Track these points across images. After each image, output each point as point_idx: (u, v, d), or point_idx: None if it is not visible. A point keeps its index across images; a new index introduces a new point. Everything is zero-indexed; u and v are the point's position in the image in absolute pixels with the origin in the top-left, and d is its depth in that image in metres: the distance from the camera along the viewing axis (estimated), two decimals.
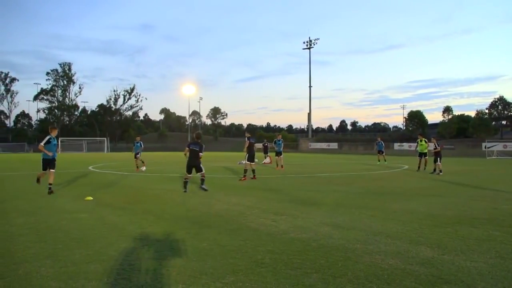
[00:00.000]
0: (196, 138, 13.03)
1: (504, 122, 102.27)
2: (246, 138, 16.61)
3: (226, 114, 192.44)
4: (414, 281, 4.20)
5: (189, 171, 12.60)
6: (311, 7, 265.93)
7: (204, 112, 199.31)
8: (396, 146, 74.44)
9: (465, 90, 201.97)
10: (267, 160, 30.26)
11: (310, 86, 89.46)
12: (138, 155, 21.74)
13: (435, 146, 20.56)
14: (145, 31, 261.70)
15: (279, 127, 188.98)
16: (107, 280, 4.25)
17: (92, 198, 10.42)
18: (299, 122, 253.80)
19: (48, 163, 11.65)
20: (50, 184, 11.57)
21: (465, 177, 18.69)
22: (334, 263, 4.78)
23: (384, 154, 31.66)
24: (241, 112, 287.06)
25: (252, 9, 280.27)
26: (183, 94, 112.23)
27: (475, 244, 5.77)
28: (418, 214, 8.33)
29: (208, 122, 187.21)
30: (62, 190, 12.58)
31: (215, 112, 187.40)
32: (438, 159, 20.12)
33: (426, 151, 22.09)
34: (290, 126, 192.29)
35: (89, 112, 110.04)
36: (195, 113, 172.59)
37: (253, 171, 16.38)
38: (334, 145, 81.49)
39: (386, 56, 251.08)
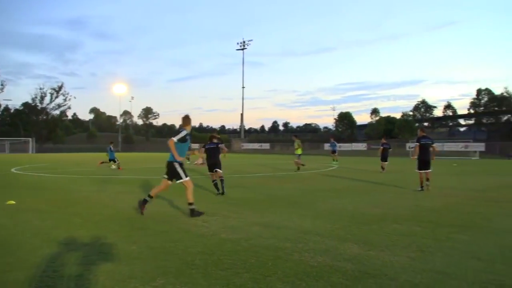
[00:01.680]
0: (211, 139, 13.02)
1: (426, 124, 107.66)
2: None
3: (158, 114, 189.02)
4: (341, 277, 4.32)
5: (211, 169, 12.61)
6: (245, 8, 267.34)
7: (136, 112, 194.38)
8: (327, 146, 76.41)
9: (392, 93, 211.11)
10: (200, 161, 30.10)
11: (243, 87, 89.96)
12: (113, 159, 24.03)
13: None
14: (75, 27, 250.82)
15: (212, 127, 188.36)
16: None
17: (14, 202, 9.87)
18: (232, 123, 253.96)
19: None
20: None
21: (390, 176, 19.54)
22: (265, 262, 4.83)
23: (336, 154, 32.94)
24: (174, 112, 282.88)
25: (186, 9, 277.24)
26: (114, 94, 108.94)
27: (398, 240, 6.04)
28: (346, 212, 8.61)
29: (140, 122, 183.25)
30: None
31: (147, 112, 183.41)
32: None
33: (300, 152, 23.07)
34: (223, 127, 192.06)
35: (12, 111, 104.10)
36: (126, 113, 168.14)
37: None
38: (266, 146, 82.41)
39: (318, 59, 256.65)
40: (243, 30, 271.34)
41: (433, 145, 13.02)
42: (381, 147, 23.00)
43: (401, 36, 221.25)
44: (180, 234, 6.43)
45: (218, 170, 12.42)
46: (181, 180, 8.19)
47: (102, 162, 25.16)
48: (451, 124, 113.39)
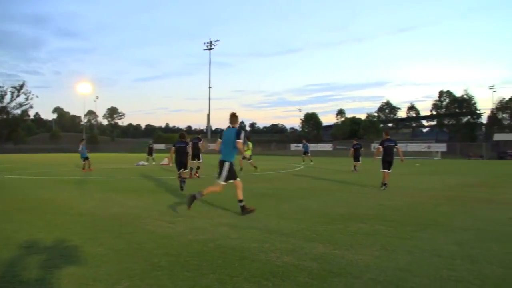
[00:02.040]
0: (181, 137, 13.94)
1: (390, 125, 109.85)
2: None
3: (124, 114, 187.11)
4: (307, 276, 4.37)
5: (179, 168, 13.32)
6: (212, 8, 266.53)
7: (101, 112, 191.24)
8: (293, 146, 77.18)
9: (357, 94, 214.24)
10: (165, 161, 29.87)
11: (209, 87, 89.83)
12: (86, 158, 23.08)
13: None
14: (38, 23, 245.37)
15: (178, 127, 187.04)
16: None
17: None
18: (199, 123, 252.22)
19: None
20: None
21: (355, 175, 19.85)
22: (231, 263, 4.83)
23: (309, 154, 33.59)
24: (140, 112, 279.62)
25: (153, 7, 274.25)
26: (79, 93, 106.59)
27: (363, 239, 6.14)
28: (311, 212, 8.69)
29: (105, 122, 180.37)
30: None
31: (112, 112, 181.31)
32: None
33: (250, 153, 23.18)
34: (189, 127, 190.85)
35: None
36: (91, 113, 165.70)
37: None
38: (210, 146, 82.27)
39: (285, 60, 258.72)
40: (210, 30, 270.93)
41: (397, 146, 13.55)
42: (352, 149, 23.73)
43: (367, 39, 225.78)
44: (145, 236, 6.35)
45: (185, 170, 13.24)
46: (219, 180, 8.44)
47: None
48: (414, 125, 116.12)
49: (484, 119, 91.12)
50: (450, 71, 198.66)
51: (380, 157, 13.52)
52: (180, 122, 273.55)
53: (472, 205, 9.86)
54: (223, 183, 8.38)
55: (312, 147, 74.44)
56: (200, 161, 18.47)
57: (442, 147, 57.89)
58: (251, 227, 6.97)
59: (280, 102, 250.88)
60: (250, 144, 22.91)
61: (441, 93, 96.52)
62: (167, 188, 13.61)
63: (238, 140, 8.28)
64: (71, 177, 18.34)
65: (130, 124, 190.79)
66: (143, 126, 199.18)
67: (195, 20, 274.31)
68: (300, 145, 46.14)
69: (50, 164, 31.05)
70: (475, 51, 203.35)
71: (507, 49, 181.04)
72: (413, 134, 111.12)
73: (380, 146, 13.53)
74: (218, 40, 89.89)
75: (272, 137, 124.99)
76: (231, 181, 8.42)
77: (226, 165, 8.40)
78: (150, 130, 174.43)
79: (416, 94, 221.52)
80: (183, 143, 13.44)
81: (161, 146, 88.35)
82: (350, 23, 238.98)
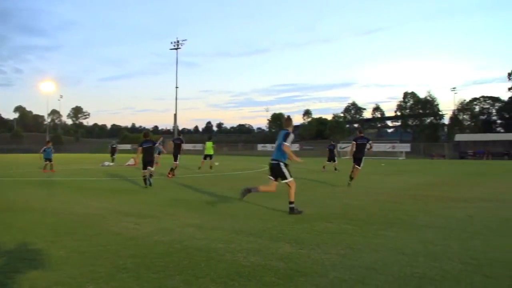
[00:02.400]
0: (145, 136, 14.49)
1: (356, 125, 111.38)
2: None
3: (89, 114, 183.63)
4: (273, 276, 4.38)
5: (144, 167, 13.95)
6: (179, 8, 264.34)
7: (65, 112, 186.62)
8: (260, 147, 77.45)
9: (323, 95, 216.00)
10: (131, 161, 29.52)
11: (176, 87, 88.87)
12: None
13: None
14: None
15: (145, 128, 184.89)
16: None
17: None
18: (166, 123, 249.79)
19: None
20: None
21: (322, 175, 20.05)
22: (197, 264, 4.80)
23: None
24: (105, 112, 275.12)
25: (119, 5, 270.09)
26: (42, 92, 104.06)
27: (329, 238, 6.20)
28: (278, 211, 8.73)
29: (69, 122, 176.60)
30: None
31: (77, 111, 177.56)
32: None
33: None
34: (156, 127, 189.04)
35: None
36: (54, 112, 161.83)
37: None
38: (199, 146, 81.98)
39: (252, 60, 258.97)
40: (178, 29, 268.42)
41: (369, 142, 14.39)
42: (328, 149, 24.63)
43: (333, 40, 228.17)
44: (110, 237, 6.25)
45: (150, 168, 13.79)
46: (286, 180, 8.55)
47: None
48: (379, 125, 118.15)
49: (446, 120, 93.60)
50: (414, 72, 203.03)
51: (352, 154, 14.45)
52: (146, 122, 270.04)
53: (434, 203, 10.10)
54: (291, 178, 8.59)
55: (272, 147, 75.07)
56: (177, 162, 18.80)
57: (406, 147, 59.15)
58: (217, 228, 6.95)
59: (247, 103, 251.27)
60: (209, 144, 23.03)
61: (405, 94, 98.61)
62: (133, 188, 13.43)
63: (285, 143, 8.44)
64: (33, 178, 17.89)
65: (95, 124, 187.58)
66: (108, 126, 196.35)
67: (163, 19, 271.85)
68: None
69: (12, 165, 30.19)
70: (438, 54, 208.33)
71: (469, 51, 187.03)
72: (378, 135, 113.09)
73: (354, 142, 14.39)
74: (185, 39, 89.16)
75: (239, 137, 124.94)
76: (283, 181, 8.60)
77: (282, 165, 8.54)
78: (116, 130, 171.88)
79: (381, 95, 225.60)
80: (149, 143, 13.70)
81: (127, 147, 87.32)
82: (317, 24, 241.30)
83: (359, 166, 14.24)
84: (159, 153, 25.07)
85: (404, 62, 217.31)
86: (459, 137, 66.13)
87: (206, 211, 8.68)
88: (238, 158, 39.72)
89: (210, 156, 22.78)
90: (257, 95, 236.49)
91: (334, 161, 23.85)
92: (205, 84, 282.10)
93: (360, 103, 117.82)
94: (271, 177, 8.73)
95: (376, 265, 4.75)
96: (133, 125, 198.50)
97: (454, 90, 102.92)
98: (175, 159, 18.72)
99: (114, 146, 32.63)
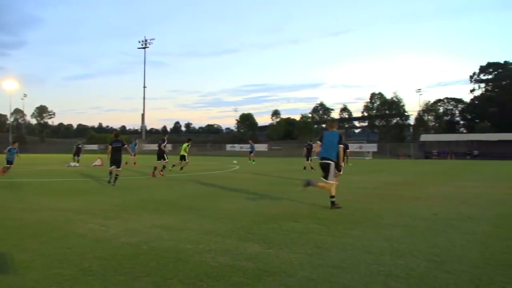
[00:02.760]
0: (115, 136, 15.07)
1: (324, 126, 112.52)
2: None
3: (54, 114, 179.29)
4: (242, 276, 4.38)
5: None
6: (147, 6, 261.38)
7: (29, 111, 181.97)
8: (228, 147, 77.37)
9: (292, 95, 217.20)
10: (98, 162, 29.07)
11: (144, 87, 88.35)
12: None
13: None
14: None
15: (112, 127, 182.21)
16: None
17: None
18: (133, 123, 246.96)
19: None
20: None
21: (290, 175, 20.17)
22: (165, 265, 4.76)
23: (253, 154, 34.68)
24: (71, 111, 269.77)
25: (86, 2, 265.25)
26: (4, 90, 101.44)
27: (296, 237, 6.24)
28: (246, 212, 8.74)
29: (34, 121, 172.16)
30: None
31: (42, 111, 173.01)
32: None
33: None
34: (123, 127, 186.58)
35: None
36: (17, 112, 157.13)
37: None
38: (168, 146, 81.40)
39: (221, 60, 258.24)
40: (146, 28, 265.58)
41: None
42: (306, 149, 24.64)
43: (301, 41, 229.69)
44: (76, 239, 6.13)
45: (117, 168, 14.21)
46: (328, 180, 9.19)
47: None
48: (347, 126, 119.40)
49: (412, 121, 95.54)
50: (381, 74, 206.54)
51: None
52: (114, 122, 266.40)
53: (400, 202, 10.31)
54: (333, 181, 9.20)
55: (248, 147, 75.18)
56: (166, 160, 19.91)
57: (373, 147, 60.20)
58: (185, 228, 6.91)
59: (216, 103, 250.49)
60: (184, 145, 23.17)
61: (372, 95, 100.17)
62: (99, 189, 13.22)
63: (340, 146, 9.16)
64: None
65: (61, 124, 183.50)
66: (75, 125, 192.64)
67: (130, 18, 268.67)
68: (248, 145, 46.82)
69: None
70: (404, 55, 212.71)
71: (433, 54, 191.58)
72: (346, 135, 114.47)
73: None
74: (154, 39, 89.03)
75: (207, 138, 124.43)
76: (326, 180, 9.24)
77: (332, 165, 9.18)
78: (83, 130, 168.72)
79: (348, 96, 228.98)
80: (119, 143, 14.09)
81: (94, 147, 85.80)
82: (285, 25, 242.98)
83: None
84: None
85: (371, 64, 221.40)
86: (424, 137, 67.77)
87: (174, 212, 8.61)
88: (207, 158, 39.63)
89: (184, 157, 22.60)
90: (225, 95, 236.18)
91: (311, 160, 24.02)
92: (173, 84, 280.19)
93: (328, 104, 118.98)
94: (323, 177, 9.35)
95: (344, 264, 4.81)
96: (100, 125, 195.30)
97: (419, 92, 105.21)
98: (164, 158, 19.67)
99: (79, 146, 31.81)
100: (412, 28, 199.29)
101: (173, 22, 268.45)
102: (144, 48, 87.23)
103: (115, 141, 14.46)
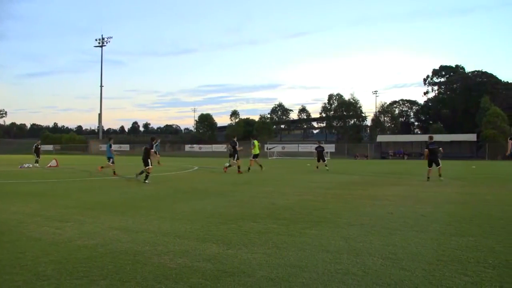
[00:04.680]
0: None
1: (283, 126, 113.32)
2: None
3: (6, 113, 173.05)
4: (201, 277, 4.38)
5: None
6: (105, 3, 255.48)
7: None
8: (187, 147, 76.85)
9: (251, 96, 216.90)
10: (53, 163, 28.30)
11: (101, 86, 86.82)
12: None
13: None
14: None
15: (68, 127, 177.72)
16: None
17: None
18: (90, 123, 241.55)
19: None
20: None
21: (249, 176, 20.23)
22: (123, 268, 4.70)
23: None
24: (24, 111, 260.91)
25: None
26: None
27: (255, 237, 6.28)
28: (205, 212, 8.72)
29: None
30: None
31: None
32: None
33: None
34: (80, 127, 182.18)
35: None
36: None
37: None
38: (125, 147, 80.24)
39: (180, 60, 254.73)
40: (103, 26, 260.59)
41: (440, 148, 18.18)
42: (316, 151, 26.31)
43: (260, 42, 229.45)
44: (30, 243, 5.96)
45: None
46: None
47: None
48: (305, 126, 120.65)
49: (369, 122, 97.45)
50: (339, 75, 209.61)
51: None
52: (69, 121, 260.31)
53: (357, 202, 10.51)
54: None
55: (207, 148, 74.95)
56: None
57: (331, 147, 61.03)
58: (143, 230, 6.83)
59: (174, 103, 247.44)
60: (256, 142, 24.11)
61: (330, 97, 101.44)
62: (55, 191, 12.88)
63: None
64: None
65: (13, 124, 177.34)
66: (28, 125, 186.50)
67: (87, 15, 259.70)
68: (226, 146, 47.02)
69: None
70: (361, 57, 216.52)
71: (390, 56, 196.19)
72: (304, 135, 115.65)
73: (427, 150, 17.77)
74: (111, 37, 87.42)
75: (166, 138, 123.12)
76: None
77: None
78: (37, 130, 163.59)
79: (307, 97, 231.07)
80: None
81: (49, 147, 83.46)
82: (244, 26, 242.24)
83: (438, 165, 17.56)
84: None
85: (329, 65, 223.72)
86: (380, 138, 69.24)
87: (132, 213, 8.49)
88: (166, 159, 39.19)
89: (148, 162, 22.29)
90: (184, 96, 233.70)
91: (324, 160, 25.47)
92: (131, 84, 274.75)
93: (286, 105, 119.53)
94: None
95: (302, 263, 4.88)
96: (55, 124, 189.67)
97: (376, 93, 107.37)
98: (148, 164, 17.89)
99: (39, 146, 30.70)
100: (369, 30, 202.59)
101: (131, 21, 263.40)
102: (101, 46, 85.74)
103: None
